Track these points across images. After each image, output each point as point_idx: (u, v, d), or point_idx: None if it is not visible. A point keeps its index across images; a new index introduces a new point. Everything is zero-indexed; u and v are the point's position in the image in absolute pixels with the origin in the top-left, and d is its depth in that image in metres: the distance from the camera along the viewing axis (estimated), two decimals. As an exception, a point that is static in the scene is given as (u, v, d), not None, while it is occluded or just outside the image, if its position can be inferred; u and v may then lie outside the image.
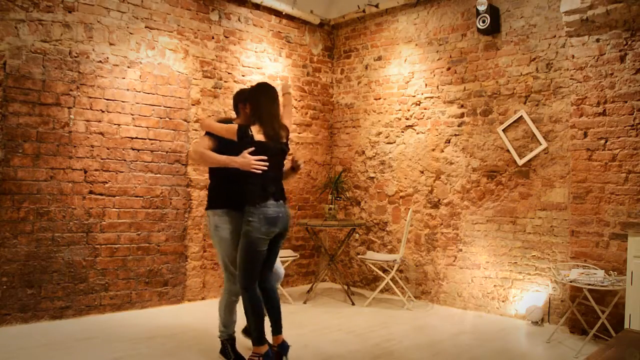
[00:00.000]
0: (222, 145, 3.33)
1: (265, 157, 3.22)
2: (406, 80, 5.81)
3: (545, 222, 4.68)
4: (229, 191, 3.43)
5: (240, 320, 3.58)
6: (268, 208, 3.23)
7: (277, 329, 3.46)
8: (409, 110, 5.77)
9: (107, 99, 4.66)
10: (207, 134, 3.41)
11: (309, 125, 6.36)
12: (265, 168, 3.21)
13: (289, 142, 3.50)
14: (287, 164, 3.58)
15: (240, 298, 3.43)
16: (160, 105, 5.00)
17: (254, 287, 3.29)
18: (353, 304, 5.32)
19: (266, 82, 3.52)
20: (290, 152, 3.71)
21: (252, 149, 3.22)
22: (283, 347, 3.44)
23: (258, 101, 3.34)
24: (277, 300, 3.48)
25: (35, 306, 4.28)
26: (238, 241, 3.33)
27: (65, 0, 4.41)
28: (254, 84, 5.57)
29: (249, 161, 3.18)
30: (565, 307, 4.50)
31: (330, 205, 5.56)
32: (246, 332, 3.83)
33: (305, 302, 5.34)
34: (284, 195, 3.43)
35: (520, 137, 4.87)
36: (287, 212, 3.41)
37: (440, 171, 5.47)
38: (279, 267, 3.81)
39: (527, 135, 4.82)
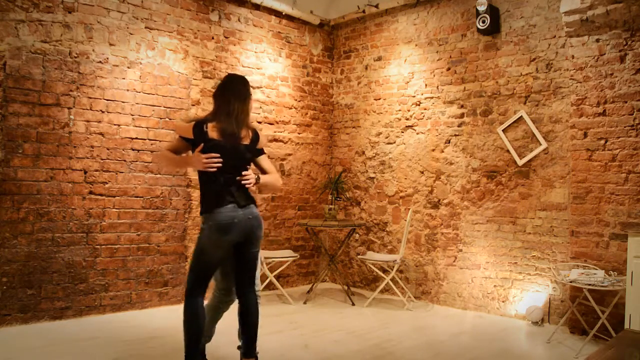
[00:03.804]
0: (195, 145, 3.02)
1: (218, 155, 2.89)
2: (406, 81, 5.81)
3: (545, 223, 4.68)
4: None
5: (233, 334, 3.43)
6: (221, 214, 2.90)
7: (248, 351, 3.05)
8: (408, 111, 5.77)
9: (107, 100, 4.66)
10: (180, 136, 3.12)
11: (309, 125, 6.36)
12: (219, 165, 2.89)
13: (257, 148, 3.14)
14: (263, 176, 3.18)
15: (227, 306, 3.26)
16: (160, 106, 5.00)
17: (196, 297, 2.95)
18: (353, 304, 5.32)
19: (234, 75, 3.18)
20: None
21: (201, 145, 2.92)
22: None
23: (218, 96, 3.05)
24: (255, 317, 3.07)
25: (35, 307, 4.28)
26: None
27: (65, 1, 4.41)
28: (253, 84, 5.64)
29: (201, 159, 2.88)
30: (566, 308, 4.50)
31: (330, 206, 5.56)
32: (239, 347, 3.37)
33: (305, 303, 5.34)
34: (250, 200, 3.04)
35: (520, 138, 4.87)
36: (251, 216, 3.00)
37: (440, 171, 5.47)
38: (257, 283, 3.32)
39: (527, 135, 4.82)
